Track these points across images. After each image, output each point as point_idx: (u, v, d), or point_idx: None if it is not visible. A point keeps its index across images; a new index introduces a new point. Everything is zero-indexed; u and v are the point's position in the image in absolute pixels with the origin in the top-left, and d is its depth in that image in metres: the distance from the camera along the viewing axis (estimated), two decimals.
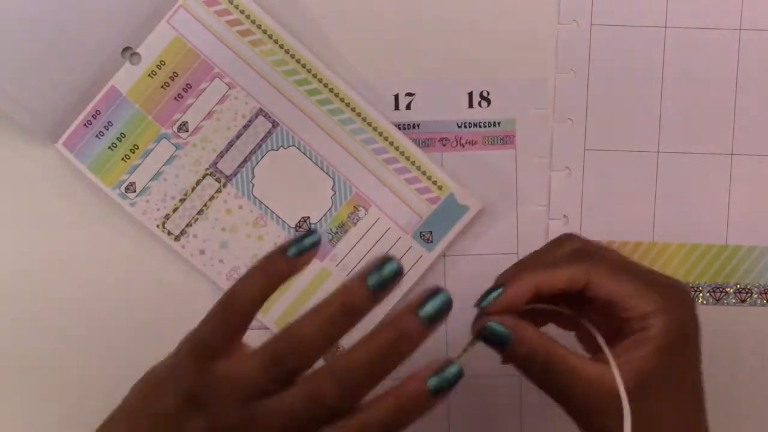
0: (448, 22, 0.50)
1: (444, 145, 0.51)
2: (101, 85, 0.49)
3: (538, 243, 0.44)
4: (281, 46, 0.49)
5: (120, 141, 0.49)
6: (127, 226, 0.50)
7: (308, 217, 0.50)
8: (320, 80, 0.49)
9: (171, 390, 0.36)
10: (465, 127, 0.51)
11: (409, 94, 0.50)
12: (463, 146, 0.51)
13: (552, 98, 0.51)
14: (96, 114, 0.49)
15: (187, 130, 0.49)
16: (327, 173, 0.50)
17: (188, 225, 0.50)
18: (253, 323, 0.37)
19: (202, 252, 0.50)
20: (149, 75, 0.49)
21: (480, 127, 0.51)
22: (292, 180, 0.50)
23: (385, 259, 0.35)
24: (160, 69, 0.49)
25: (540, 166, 0.51)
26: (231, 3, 0.49)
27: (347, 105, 0.50)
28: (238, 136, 0.50)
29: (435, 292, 0.35)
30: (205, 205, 0.50)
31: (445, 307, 0.35)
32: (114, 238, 0.50)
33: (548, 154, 0.51)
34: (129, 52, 0.49)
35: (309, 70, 0.49)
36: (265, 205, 0.50)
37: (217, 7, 0.49)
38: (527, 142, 0.51)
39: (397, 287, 0.36)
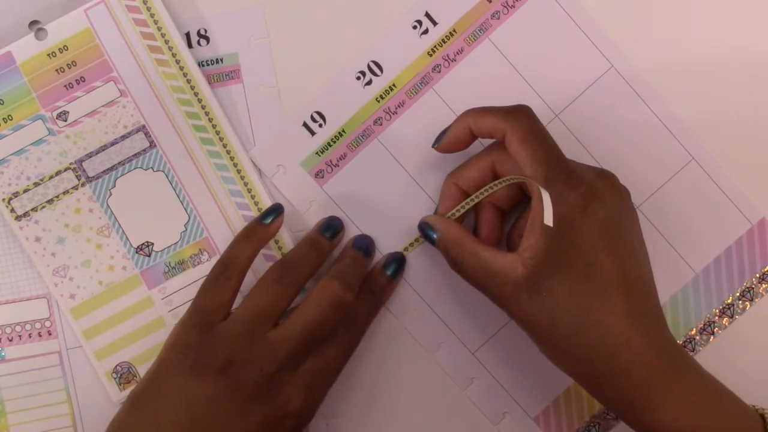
0: None
1: None
2: None
3: None
4: (185, 74, 0.49)
5: None
6: None
7: (152, 243, 0.50)
8: (210, 119, 0.49)
9: (189, 363, 0.42)
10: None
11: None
12: None
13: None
14: None
15: (66, 120, 0.49)
16: (185, 209, 0.50)
17: (34, 209, 0.49)
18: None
19: (38, 239, 0.49)
20: (48, 55, 0.49)
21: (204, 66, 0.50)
22: (150, 203, 0.50)
23: (332, 219, 0.48)
24: (61, 53, 0.49)
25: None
26: (152, 17, 0.49)
27: (228, 152, 0.50)
28: (113, 143, 0.49)
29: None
30: (57, 196, 0.49)
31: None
32: None
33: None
34: (36, 26, 0.49)
35: (203, 107, 0.49)
36: (115, 217, 0.49)
37: (137, 15, 0.49)
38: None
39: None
